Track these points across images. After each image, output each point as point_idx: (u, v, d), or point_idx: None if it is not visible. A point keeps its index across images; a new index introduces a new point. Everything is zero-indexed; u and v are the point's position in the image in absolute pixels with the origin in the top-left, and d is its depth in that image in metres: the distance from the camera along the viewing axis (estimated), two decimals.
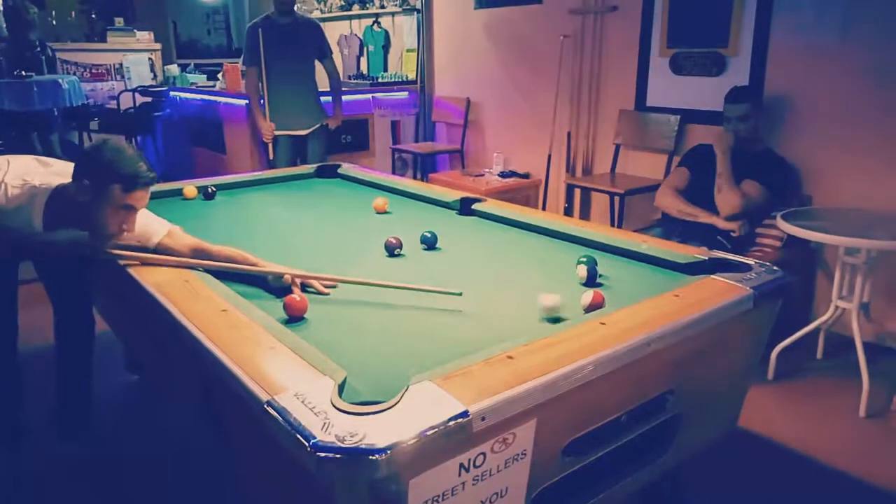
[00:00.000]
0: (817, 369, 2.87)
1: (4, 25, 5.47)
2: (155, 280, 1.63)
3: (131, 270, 1.71)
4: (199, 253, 1.82)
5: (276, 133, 4.01)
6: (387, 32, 5.73)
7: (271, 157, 4.06)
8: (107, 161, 1.73)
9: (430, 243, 2.04)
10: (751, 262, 1.73)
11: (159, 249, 1.85)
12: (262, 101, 3.97)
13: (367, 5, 5.75)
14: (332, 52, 4.24)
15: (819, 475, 2.16)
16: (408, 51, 5.47)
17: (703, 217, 2.92)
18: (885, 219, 2.68)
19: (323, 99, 4.24)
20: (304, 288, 1.68)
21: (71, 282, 2.26)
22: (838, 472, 2.15)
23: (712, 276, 1.64)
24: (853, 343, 2.57)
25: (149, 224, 1.89)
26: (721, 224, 2.86)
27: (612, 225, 3.75)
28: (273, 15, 4.01)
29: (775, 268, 1.70)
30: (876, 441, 2.35)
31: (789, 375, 2.77)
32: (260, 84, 3.95)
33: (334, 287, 1.72)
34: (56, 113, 5.32)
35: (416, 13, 5.23)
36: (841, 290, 2.67)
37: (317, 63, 4.17)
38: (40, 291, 2.30)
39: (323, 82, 4.24)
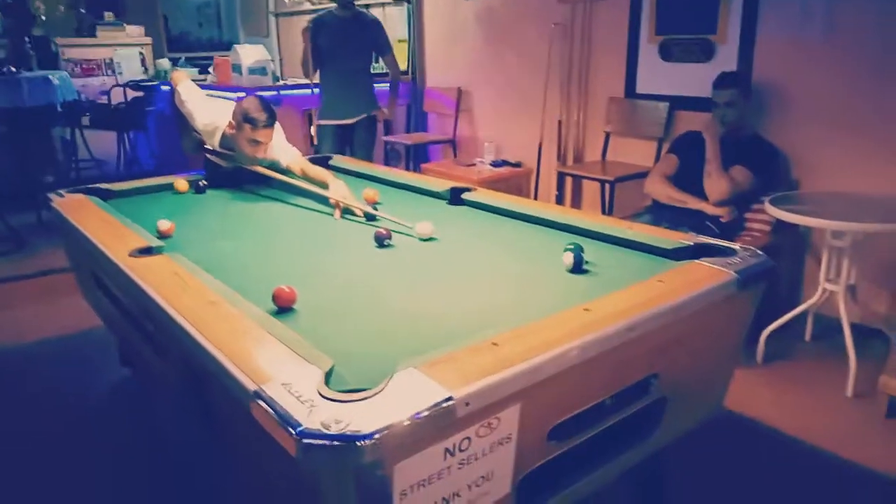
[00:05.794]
0: (805, 351, 2.91)
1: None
2: (144, 273, 1.64)
3: (121, 264, 1.72)
4: (304, 173, 2.68)
5: (322, 122, 4.10)
6: None
7: (314, 142, 4.10)
8: (243, 109, 2.53)
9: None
10: (735, 246, 1.75)
11: (285, 170, 2.70)
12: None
13: None
14: (391, 49, 4.28)
15: (806, 456, 2.19)
16: (399, 41, 5.46)
17: (692, 203, 2.94)
18: (871, 202, 2.70)
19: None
20: (345, 213, 2.34)
21: None
22: (825, 453, 2.19)
23: (697, 261, 1.66)
24: (841, 325, 2.60)
25: (282, 149, 2.75)
26: (710, 210, 2.89)
27: (603, 212, 3.77)
28: (334, 9, 4.08)
29: (759, 252, 1.71)
30: (863, 421, 2.39)
31: (778, 358, 2.81)
32: (316, 70, 4.08)
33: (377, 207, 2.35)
34: (59, 108, 5.28)
35: (406, 3, 5.22)
36: (828, 273, 2.70)
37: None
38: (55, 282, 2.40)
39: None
